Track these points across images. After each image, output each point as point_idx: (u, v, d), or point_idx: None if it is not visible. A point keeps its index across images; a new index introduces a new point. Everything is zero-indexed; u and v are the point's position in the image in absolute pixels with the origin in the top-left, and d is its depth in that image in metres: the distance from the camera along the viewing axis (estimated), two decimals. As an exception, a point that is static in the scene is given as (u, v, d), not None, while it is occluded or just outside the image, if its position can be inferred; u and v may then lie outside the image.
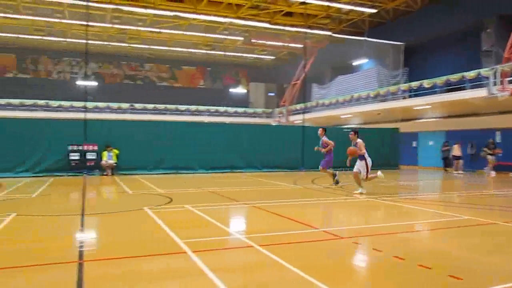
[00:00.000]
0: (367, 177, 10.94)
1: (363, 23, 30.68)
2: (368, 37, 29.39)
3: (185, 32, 32.53)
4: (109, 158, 17.35)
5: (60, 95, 35.85)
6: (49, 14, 28.59)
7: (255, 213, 8.34)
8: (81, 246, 5.59)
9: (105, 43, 35.40)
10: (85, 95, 22.77)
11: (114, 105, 36.72)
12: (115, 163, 17.49)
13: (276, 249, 5.19)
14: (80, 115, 18.28)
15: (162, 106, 38.11)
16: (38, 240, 5.93)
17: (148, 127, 19.19)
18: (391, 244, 5.73)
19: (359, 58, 32.03)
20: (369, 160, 10.89)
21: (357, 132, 11.27)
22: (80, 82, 38.46)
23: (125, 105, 37.00)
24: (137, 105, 37.43)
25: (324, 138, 13.04)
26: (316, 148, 13.27)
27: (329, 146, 12.93)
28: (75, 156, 17.10)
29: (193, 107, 39.22)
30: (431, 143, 25.85)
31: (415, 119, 27.09)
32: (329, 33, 31.05)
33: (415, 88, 24.85)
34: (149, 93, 40.32)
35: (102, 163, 17.30)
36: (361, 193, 10.74)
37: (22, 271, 4.39)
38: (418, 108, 24.49)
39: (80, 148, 17.12)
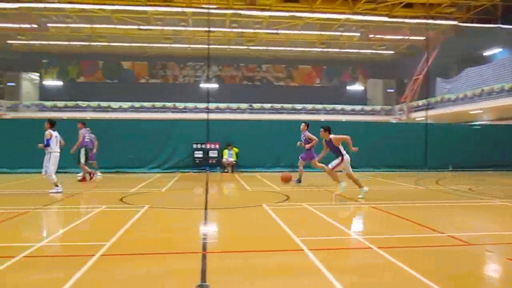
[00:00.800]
0: (332, 168, 9.73)
1: (495, 9, 27.76)
2: (502, 24, 26.57)
3: (300, 32, 32.77)
4: (229, 156, 18.23)
5: (185, 97, 38.64)
6: (176, 23, 31.06)
7: (374, 214, 8.07)
8: (204, 238, 5.96)
9: (225, 46, 37.27)
10: (207, 96, 24.25)
11: (234, 105, 38.48)
12: (235, 161, 18.32)
13: (396, 252, 4.96)
14: (203, 116, 19.52)
15: (278, 106, 38.90)
16: (167, 230, 6.46)
17: (266, 126, 19.64)
18: (530, 254, 5.11)
19: (491, 48, 29.19)
20: (346, 157, 9.74)
21: (328, 129, 10.08)
22: (202, 85, 41.12)
23: (244, 105, 38.56)
24: (255, 105, 38.76)
25: (307, 133, 12.52)
26: (299, 143, 12.77)
27: (312, 142, 12.32)
28: (199, 154, 18.34)
29: (309, 106, 39.33)
30: None
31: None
32: (454, 22, 28.76)
33: (561, 78, 21.92)
34: (266, 93, 41.40)
35: (223, 161, 18.24)
36: (339, 193, 9.91)
37: (153, 258, 4.83)
38: None
39: (203, 146, 18.31)
